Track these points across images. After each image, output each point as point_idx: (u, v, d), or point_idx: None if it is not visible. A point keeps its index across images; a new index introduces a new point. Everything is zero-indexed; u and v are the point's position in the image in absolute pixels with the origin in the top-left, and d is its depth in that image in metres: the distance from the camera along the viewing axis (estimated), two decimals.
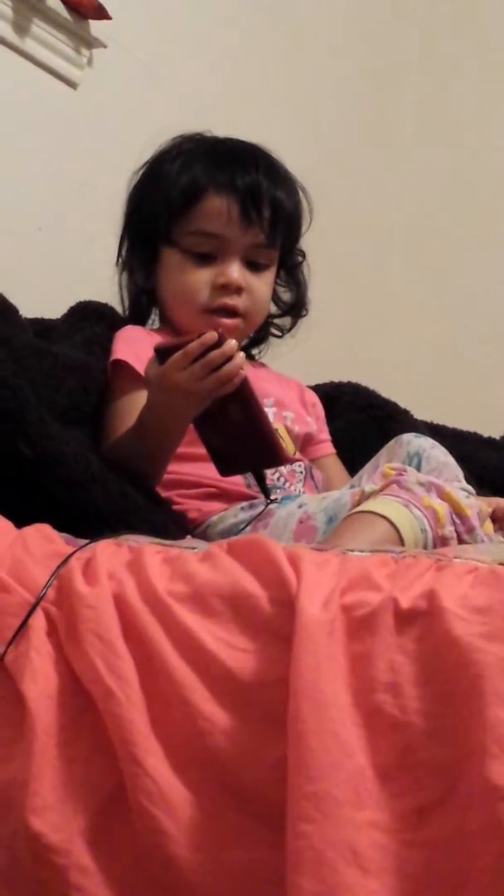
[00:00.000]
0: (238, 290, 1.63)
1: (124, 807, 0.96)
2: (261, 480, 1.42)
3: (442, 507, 1.35)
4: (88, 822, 0.97)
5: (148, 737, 0.96)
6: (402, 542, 1.31)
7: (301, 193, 1.72)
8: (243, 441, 1.37)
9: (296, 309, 1.79)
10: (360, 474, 1.60)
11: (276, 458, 1.39)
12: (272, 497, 1.44)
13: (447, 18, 3.01)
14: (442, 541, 1.34)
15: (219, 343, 1.33)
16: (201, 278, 1.63)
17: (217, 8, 2.38)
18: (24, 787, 0.97)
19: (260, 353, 1.82)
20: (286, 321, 1.80)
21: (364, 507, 1.35)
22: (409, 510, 1.33)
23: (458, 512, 1.37)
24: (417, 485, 1.37)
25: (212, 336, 1.33)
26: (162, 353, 1.36)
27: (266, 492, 1.42)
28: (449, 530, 1.35)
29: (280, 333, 1.81)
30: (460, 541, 1.36)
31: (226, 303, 1.63)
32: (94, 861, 0.96)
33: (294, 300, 1.78)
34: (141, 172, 1.71)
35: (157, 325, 1.74)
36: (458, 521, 1.36)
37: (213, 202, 1.62)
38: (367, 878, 0.88)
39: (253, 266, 1.65)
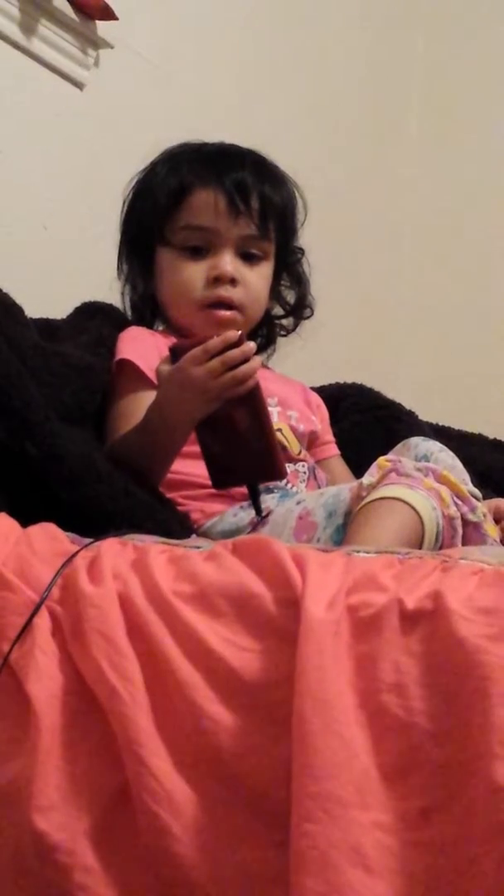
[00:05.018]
0: (232, 281, 1.63)
1: (129, 806, 0.96)
2: (255, 496, 1.41)
3: (442, 489, 1.36)
4: (93, 821, 0.97)
5: (153, 736, 0.96)
6: (421, 521, 1.31)
7: (295, 191, 1.73)
8: (245, 451, 1.36)
9: (299, 309, 1.79)
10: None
11: (276, 471, 1.39)
12: (263, 514, 1.44)
13: (452, 17, 3.00)
14: (448, 520, 1.34)
15: (238, 343, 1.33)
16: (195, 273, 1.64)
17: (224, 9, 2.38)
18: (28, 785, 0.97)
19: (268, 357, 1.82)
20: (290, 322, 1.80)
21: (376, 494, 1.35)
22: (415, 492, 1.34)
23: (457, 493, 1.37)
24: (415, 470, 1.37)
25: (233, 335, 1.34)
26: (177, 352, 1.36)
27: (258, 508, 1.41)
28: (453, 510, 1.35)
29: (285, 333, 1.81)
30: (464, 521, 1.36)
31: (220, 294, 1.63)
32: (98, 860, 0.95)
33: (296, 299, 1.78)
34: (133, 182, 1.72)
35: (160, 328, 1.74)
36: (459, 501, 1.36)
37: (200, 196, 1.64)
38: (372, 878, 0.88)
39: (247, 258, 1.66)
